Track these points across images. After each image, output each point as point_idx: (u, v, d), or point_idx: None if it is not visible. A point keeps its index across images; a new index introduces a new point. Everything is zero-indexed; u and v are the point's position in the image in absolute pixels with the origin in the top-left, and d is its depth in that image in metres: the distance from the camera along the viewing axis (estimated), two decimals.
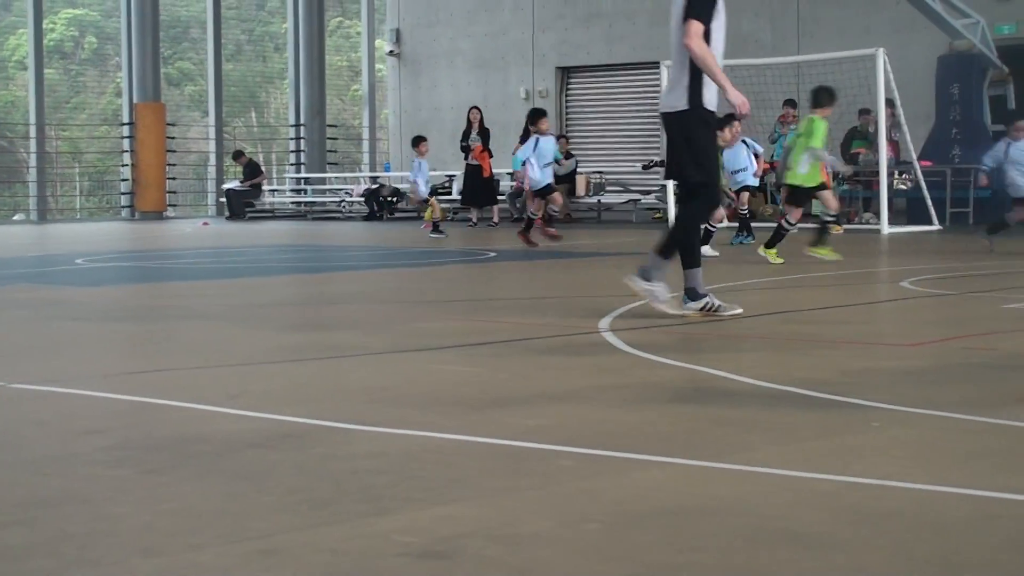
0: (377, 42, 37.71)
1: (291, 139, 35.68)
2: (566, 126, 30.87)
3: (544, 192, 17.53)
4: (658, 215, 25.29)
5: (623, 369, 6.27)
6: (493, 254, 16.11)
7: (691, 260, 8.32)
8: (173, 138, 33.40)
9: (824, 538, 3.31)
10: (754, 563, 3.13)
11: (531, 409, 5.16)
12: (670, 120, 8.46)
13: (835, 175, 14.11)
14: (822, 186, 14.12)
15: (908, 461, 4.20)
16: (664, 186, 23.48)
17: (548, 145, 17.79)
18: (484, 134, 25.49)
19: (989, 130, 22.92)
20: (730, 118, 18.33)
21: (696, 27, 8.13)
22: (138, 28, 31.90)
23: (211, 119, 34.38)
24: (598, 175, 28.21)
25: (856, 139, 23.60)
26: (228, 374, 6.26)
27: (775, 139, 23.20)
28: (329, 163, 35.86)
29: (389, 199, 30.28)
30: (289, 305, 10.12)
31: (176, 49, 45.82)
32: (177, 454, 4.37)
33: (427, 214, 28.36)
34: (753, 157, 17.97)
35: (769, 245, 13.51)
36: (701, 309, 8.23)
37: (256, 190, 32.30)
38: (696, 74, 8.23)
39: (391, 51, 33.90)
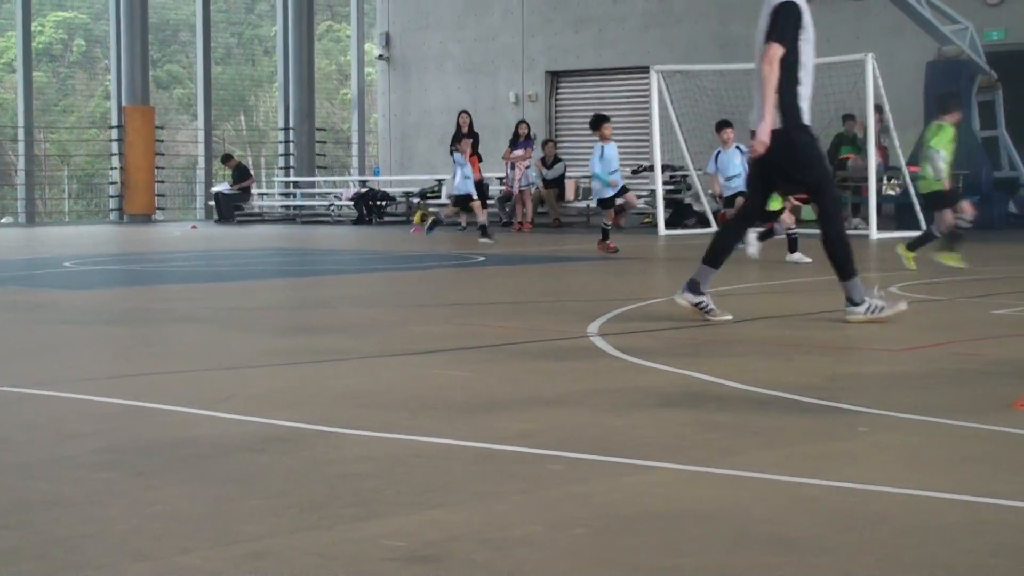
0: (366, 46, 37.70)
1: (280, 143, 35.64)
2: (555, 131, 30.89)
3: (607, 203, 17.07)
4: (647, 220, 25.30)
5: (612, 373, 6.28)
6: (482, 258, 16.11)
7: (848, 271, 8.32)
8: (162, 141, 33.34)
9: (812, 542, 3.31)
10: (742, 567, 3.13)
11: (520, 413, 5.16)
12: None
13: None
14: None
15: (896, 466, 4.21)
16: (653, 191, 23.50)
17: (612, 152, 17.07)
18: (474, 138, 25.48)
19: (978, 136, 22.96)
20: (725, 124, 18.46)
21: (776, 51, 8.11)
22: (127, 31, 31.85)
23: (200, 122, 34.33)
24: (588, 180, 28.20)
25: (845, 145, 23.65)
26: (217, 377, 6.26)
27: None
28: (318, 167, 35.83)
29: (378, 203, 30.27)
30: (278, 309, 10.12)
31: (165, 52, 45.79)
32: (166, 457, 4.37)
33: (416, 217, 28.43)
34: (746, 165, 18.08)
35: (945, 249, 13.40)
36: (866, 312, 8.23)
37: (245, 194, 32.25)
38: (789, 91, 8.19)
39: (380, 55, 33.89)
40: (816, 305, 9.48)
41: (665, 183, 23.81)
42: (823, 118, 21.60)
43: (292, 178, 34.88)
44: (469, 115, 25.77)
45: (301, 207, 33.30)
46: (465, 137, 22.06)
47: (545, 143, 27.33)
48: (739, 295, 10.63)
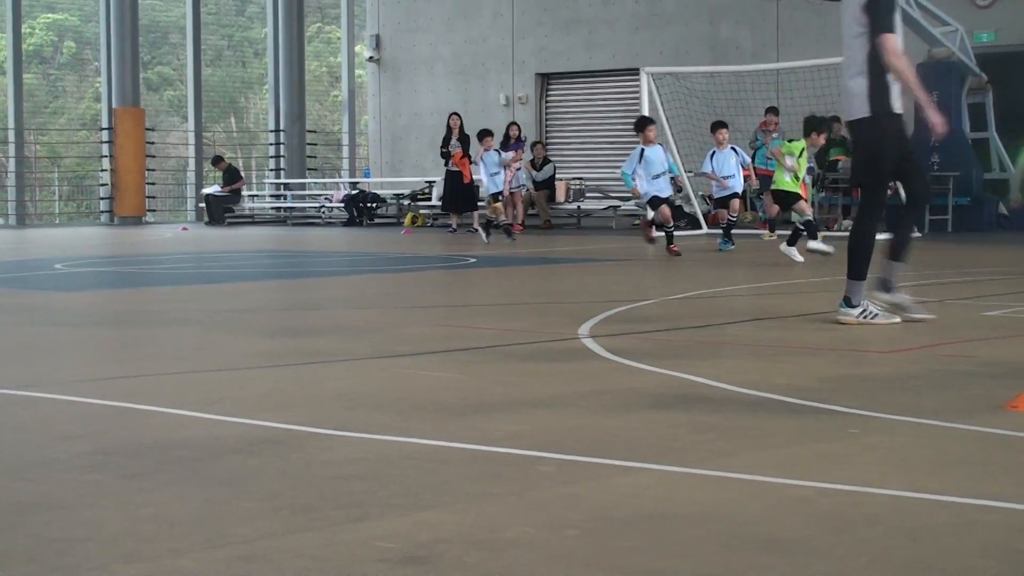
0: (357, 48, 37.70)
1: (271, 144, 35.64)
2: (546, 132, 30.90)
3: (654, 204, 16.60)
4: (638, 222, 25.31)
5: (603, 375, 6.28)
6: (473, 260, 16.11)
7: (858, 271, 8.39)
8: (152, 143, 33.33)
9: (802, 544, 3.32)
10: (734, 568, 3.13)
11: (511, 415, 5.16)
12: (853, 127, 8.46)
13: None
14: None
15: (886, 468, 4.21)
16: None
17: (655, 155, 16.59)
18: (464, 140, 25.48)
19: (968, 138, 23.00)
20: (720, 124, 18.52)
21: (891, 41, 8.09)
22: (117, 33, 31.83)
23: (190, 124, 34.32)
24: (578, 181, 28.24)
25: (834, 147, 23.66)
26: (208, 379, 6.25)
27: (757, 147, 23.22)
28: (309, 168, 35.83)
29: (369, 205, 30.27)
30: (269, 311, 10.11)
31: (155, 54, 45.74)
32: (157, 459, 4.37)
33: (407, 220, 28.43)
34: (740, 167, 18.19)
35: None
36: (858, 316, 8.30)
37: (236, 196, 32.24)
38: (878, 79, 8.19)
39: (371, 57, 33.88)
40: (807, 307, 9.49)
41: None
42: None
43: (283, 180, 34.87)
44: (460, 117, 25.77)
45: (292, 209, 33.29)
46: (489, 135, 21.92)
47: (533, 145, 27.32)
48: (729, 296, 10.64)
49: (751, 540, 3.35)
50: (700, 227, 23.07)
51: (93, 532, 3.47)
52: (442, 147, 25.82)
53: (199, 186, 33.84)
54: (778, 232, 19.69)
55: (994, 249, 15.55)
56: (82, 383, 6.10)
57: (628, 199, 26.81)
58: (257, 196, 35.42)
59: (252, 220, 32.79)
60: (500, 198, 21.39)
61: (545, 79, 31.20)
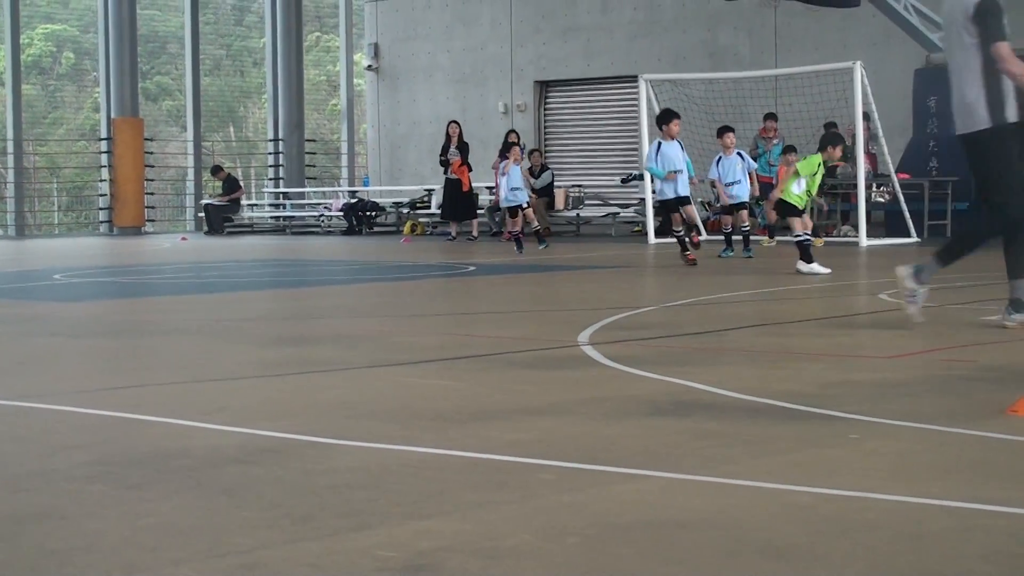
0: (356, 56, 37.72)
1: (270, 154, 35.64)
2: (544, 140, 30.92)
3: (675, 205, 15.94)
4: (637, 228, 25.32)
5: (603, 382, 6.28)
6: (472, 268, 16.11)
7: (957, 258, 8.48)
8: (151, 153, 33.33)
9: (803, 550, 3.31)
10: None
11: (511, 423, 5.16)
12: (970, 140, 8.28)
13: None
14: None
15: (887, 473, 4.21)
16: (643, 199, 23.49)
17: (672, 150, 15.82)
18: (463, 148, 25.51)
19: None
20: (727, 129, 18.42)
21: (1005, 48, 7.99)
22: (116, 43, 31.84)
23: (189, 134, 34.32)
24: (577, 188, 28.25)
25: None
26: (208, 389, 6.25)
27: (759, 154, 23.22)
28: (308, 178, 35.84)
29: (368, 213, 30.29)
30: (268, 320, 10.11)
31: (154, 64, 45.74)
32: (157, 469, 4.36)
33: (406, 228, 28.43)
34: (747, 173, 18.05)
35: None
36: (908, 294, 8.37)
37: (235, 205, 32.25)
38: (995, 91, 8.09)
39: (370, 65, 33.90)
40: (806, 313, 9.49)
41: (654, 192, 23.78)
42: (811, 126, 21.74)
43: (282, 189, 34.88)
44: (459, 125, 25.79)
45: (291, 218, 33.30)
46: (507, 149, 21.61)
47: (531, 153, 27.33)
48: (729, 303, 10.63)
49: (752, 546, 3.34)
50: (700, 234, 23.04)
51: (94, 542, 3.47)
52: (441, 155, 25.85)
53: (198, 196, 33.84)
54: (777, 238, 19.73)
55: (994, 254, 15.50)
56: (82, 393, 6.10)
57: (627, 207, 26.85)
58: (256, 205, 35.43)
59: (251, 229, 32.80)
60: (525, 206, 20.79)
61: (544, 87, 31.22)
